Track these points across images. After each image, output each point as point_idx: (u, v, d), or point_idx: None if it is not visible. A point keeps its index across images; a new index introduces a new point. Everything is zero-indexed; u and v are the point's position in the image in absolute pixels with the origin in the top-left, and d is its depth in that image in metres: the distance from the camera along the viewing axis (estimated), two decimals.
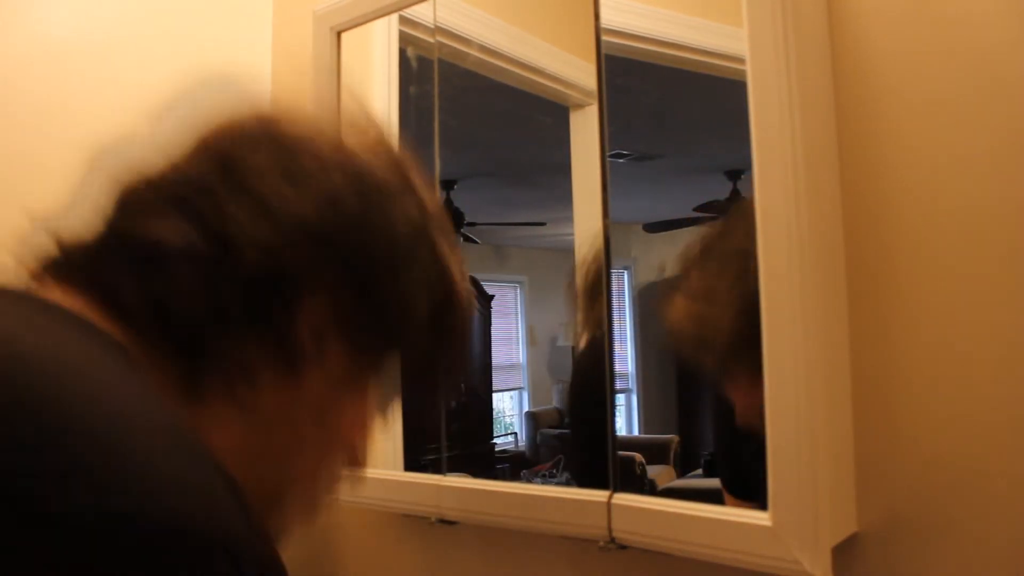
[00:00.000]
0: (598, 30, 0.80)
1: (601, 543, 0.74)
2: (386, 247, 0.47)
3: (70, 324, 0.39)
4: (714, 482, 0.81)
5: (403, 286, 0.48)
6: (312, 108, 0.50)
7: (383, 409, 0.54)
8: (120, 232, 0.44)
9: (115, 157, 0.47)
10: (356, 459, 0.53)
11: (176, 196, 0.44)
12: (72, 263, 0.44)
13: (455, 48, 0.99)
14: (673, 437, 0.88)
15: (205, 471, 0.33)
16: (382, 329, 0.49)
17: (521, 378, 1.08)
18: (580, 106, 0.90)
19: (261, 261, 0.43)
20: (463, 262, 0.53)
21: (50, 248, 0.44)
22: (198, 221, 0.42)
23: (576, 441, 0.95)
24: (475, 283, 1.10)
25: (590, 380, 0.84)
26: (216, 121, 0.48)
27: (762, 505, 0.64)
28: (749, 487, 0.77)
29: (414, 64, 1.04)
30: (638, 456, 0.85)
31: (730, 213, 0.77)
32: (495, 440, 1.09)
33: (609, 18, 0.79)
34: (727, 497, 0.80)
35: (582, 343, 0.90)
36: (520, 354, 1.11)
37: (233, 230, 0.42)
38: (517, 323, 1.12)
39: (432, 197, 0.52)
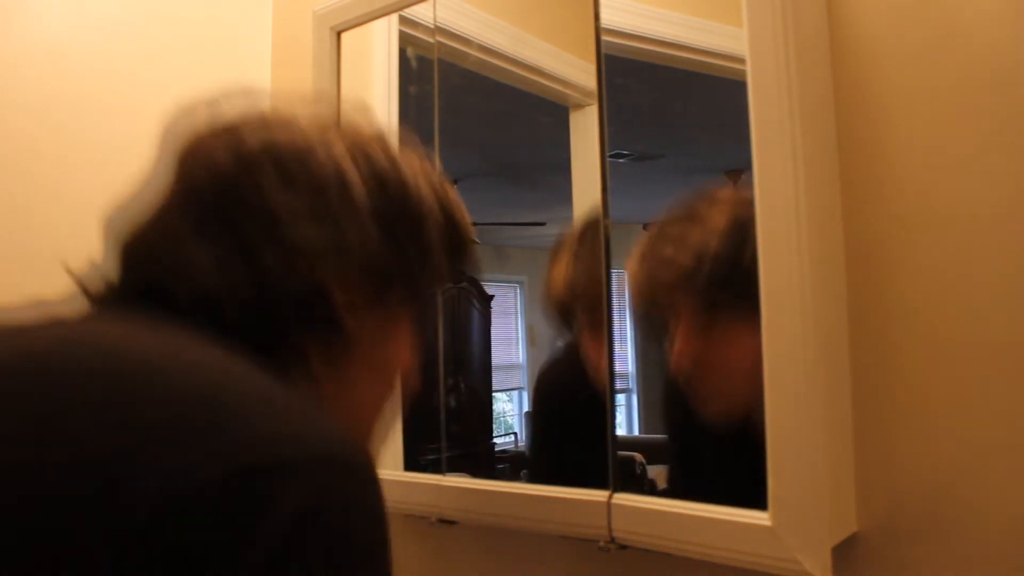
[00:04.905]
0: (598, 30, 0.80)
1: (601, 543, 0.74)
2: (397, 208, 0.53)
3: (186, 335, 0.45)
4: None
5: (408, 231, 0.54)
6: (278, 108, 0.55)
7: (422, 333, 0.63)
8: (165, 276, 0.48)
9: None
10: (411, 383, 0.62)
11: (202, 238, 0.48)
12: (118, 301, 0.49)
13: (455, 48, 0.99)
14: None
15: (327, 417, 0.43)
16: (399, 274, 0.54)
17: (521, 378, 1.08)
18: (580, 106, 0.90)
19: (295, 286, 0.49)
20: (457, 196, 0.59)
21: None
22: (233, 270, 0.48)
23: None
24: (475, 283, 1.10)
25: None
26: (198, 147, 0.52)
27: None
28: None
29: (414, 64, 1.04)
30: (638, 456, 0.85)
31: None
32: (495, 440, 1.09)
33: (609, 18, 0.79)
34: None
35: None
36: (520, 354, 1.11)
37: (266, 264, 0.48)
38: (517, 323, 1.12)
39: (411, 151, 0.58)
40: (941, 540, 0.64)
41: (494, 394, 1.09)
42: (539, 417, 0.98)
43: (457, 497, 0.88)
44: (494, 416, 1.09)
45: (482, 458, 1.07)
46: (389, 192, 0.53)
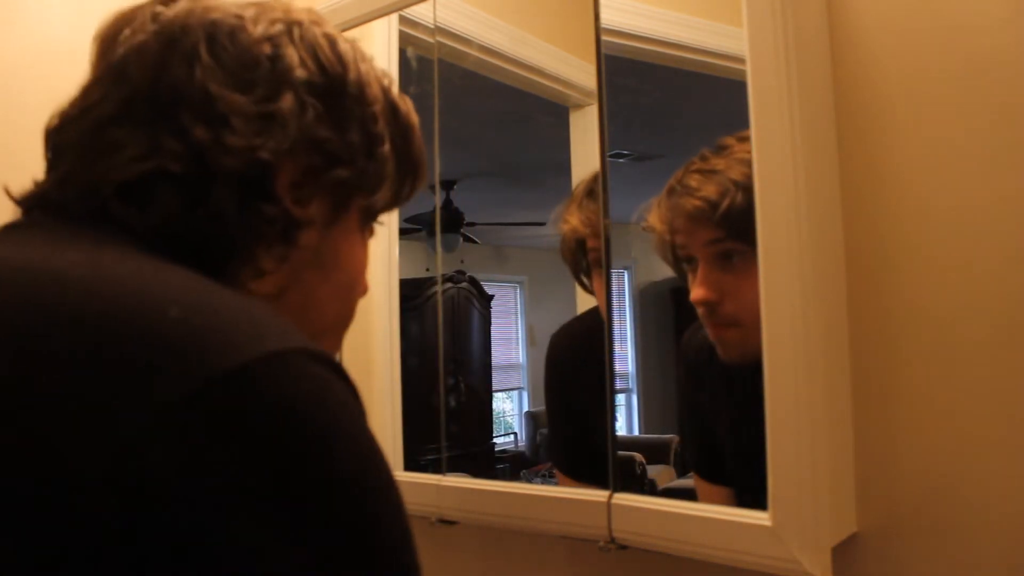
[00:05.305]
0: (598, 30, 0.80)
1: (601, 543, 0.74)
2: (337, 86, 0.51)
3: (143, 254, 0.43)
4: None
5: (350, 113, 0.52)
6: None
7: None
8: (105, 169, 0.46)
9: None
10: (364, 287, 0.60)
11: (137, 122, 0.46)
12: (58, 205, 0.48)
13: (455, 48, 0.99)
14: (673, 437, 0.88)
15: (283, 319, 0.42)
16: (344, 159, 0.52)
17: (521, 378, 1.08)
18: (580, 106, 0.90)
19: (230, 162, 0.46)
20: (384, 75, 0.57)
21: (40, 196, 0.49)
22: (165, 148, 0.45)
23: None
24: (475, 283, 1.10)
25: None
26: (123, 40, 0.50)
27: (735, 490, 0.65)
28: (721, 468, 0.78)
29: (414, 64, 1.04)
30: (638, 456, 0.85)
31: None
32: (495, 440, 1.10)
33: (609, 18, 0.79)
34: (698, 482, 0.80)
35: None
36: (520, 354, 1.11)
37: (198, 139, 0.45)
38: (517, 323, 1.13)
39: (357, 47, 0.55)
40: (941, 540, 0.64)
41: (494, 394, 1.09)
42: (555, 361, 0.98)
43: (457, 497, 0.88)
44: (494, 416, 1.09)
45: (482, 458, 1.08)
46: (327, 70, 0.50)
